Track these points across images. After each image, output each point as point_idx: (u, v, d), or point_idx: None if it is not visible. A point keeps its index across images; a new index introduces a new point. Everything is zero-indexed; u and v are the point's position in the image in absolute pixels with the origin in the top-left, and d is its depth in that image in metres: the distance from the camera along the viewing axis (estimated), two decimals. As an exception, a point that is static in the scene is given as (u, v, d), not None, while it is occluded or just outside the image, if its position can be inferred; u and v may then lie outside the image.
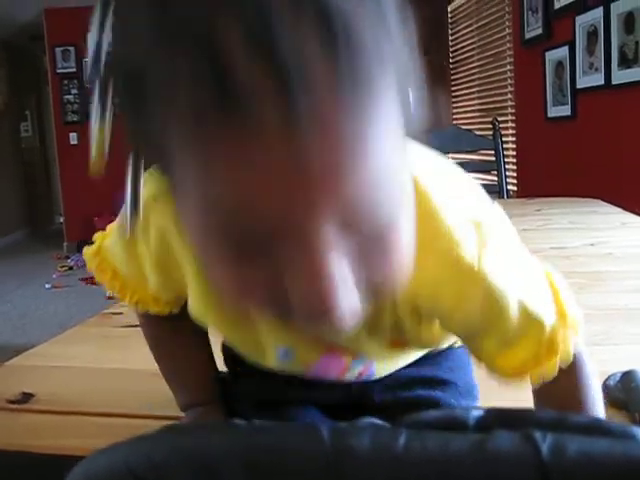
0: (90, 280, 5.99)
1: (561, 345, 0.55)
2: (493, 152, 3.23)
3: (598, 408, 0.59)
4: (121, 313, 1.19)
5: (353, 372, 0.65)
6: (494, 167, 3.20)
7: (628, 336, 0.94)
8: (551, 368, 0.55)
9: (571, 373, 0.58)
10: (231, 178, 0.35)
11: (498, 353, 0.56)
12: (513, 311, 0.53)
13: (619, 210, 2.18)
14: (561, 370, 0.55)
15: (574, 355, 0.56)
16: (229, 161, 0.35)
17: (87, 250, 0.71)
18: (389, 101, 0.37)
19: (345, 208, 0.36)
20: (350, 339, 0.57)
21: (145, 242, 0.61)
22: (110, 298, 5.16)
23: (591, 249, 1.55)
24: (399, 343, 0.60)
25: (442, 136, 3.26)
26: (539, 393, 0.60)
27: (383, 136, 0.37)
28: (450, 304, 0.53)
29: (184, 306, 0.63)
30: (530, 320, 0.55)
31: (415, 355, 0.69)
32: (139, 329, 1.05)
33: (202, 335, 0.73)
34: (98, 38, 0.42)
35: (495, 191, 3.17)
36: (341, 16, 0.34)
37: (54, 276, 6.25)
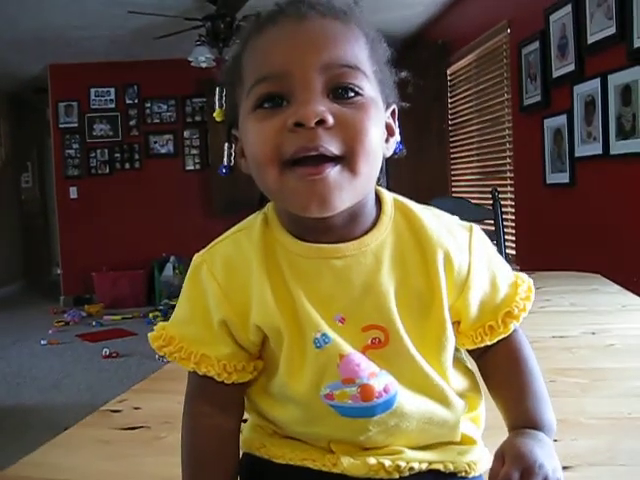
0: (86, 336, 5.95)
1: (516, 311, 0.76)
2: (492, 222, 3.23)
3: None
4: (120, 411, 1.16)
5: (380, 381, 0.70)
6: (492, 237, 3.20)
7: (636, 456, 0.91)
8: (507, 328, 0.76)
9: (517, 337, 0.79)
10: (268, 46, 0.68)
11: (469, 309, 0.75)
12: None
13: (618, 289, 2.17)
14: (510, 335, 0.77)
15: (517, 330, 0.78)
16: (268, 38, 0.69)
17: (154, 341, 0.77)
18: (358, 35, 0.71)
19: (324, 64, 0.66)
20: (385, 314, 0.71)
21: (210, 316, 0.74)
22: (106, 357, 5.13)
23: (592, 339, 1.53)
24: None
25: (441, 205, 3.27)
26: (489, 358, 0.78)
27: (351, 42, 0.69)
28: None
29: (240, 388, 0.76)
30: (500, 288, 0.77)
31: (437, 393, 0.74)
32: (139, 432, 1.03)
33: (235, 456, 0.78)
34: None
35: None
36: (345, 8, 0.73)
37: (50, 332, 6.19)
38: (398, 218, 0.75)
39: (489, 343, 0.76)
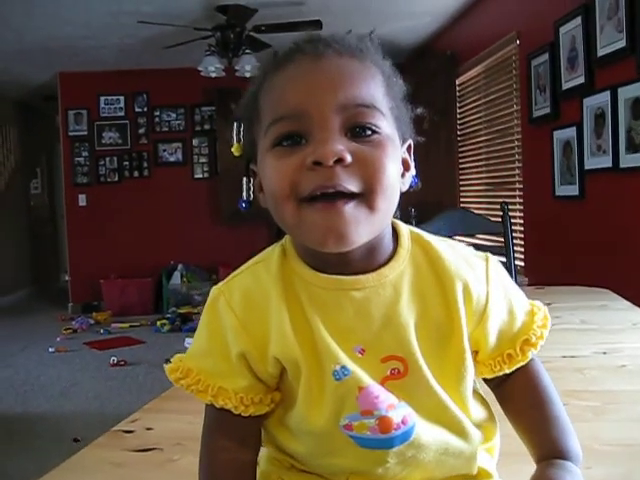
0: (94, 344, 5.96)
1: (534, 339, 0.77)
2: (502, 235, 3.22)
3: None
4: (132, 431, 1.16)
5: (398, 413, 0.71)
6: (502, 251, 3.19)
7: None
8: (525, 356, 0.77)
9: (535, 366, 0.80)
10: (287, 85, 0.69)
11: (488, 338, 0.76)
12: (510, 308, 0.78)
13: (628, 305, 2.16)
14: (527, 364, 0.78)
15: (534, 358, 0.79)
16: (286, 77, 0.70)
17: (171, 373, 0.78)
18: (374, 73, 0.72)
19: (340, 105, 0.67)
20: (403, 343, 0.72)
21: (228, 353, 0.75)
22: (113, 366, 5.13)
23: (603, 359, 1.53)
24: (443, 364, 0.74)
25: (450, 219, 3.26)
26: (508, 387, 0.80)
27: (367, 80, 0.70)
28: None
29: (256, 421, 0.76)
30: (517, 317, 0.78)
31: (454, 424, 0.74)
32: (151, 454, 1.04)
33: None
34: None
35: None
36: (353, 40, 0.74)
37: (58, 339, 6.20)
38: (415, 250, 0.76)
39: (508, 371, 0.77)
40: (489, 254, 0.79)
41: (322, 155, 0.65)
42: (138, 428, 1.17)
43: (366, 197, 0.67)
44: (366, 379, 0.71)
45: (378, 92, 0.71)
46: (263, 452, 0.80)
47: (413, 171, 0.77)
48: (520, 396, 0.80)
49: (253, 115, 0.74)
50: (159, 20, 5.31)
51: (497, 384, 0.81)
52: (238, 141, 0.77)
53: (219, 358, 0.75)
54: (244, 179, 0.77)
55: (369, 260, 0.73)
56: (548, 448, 0.76)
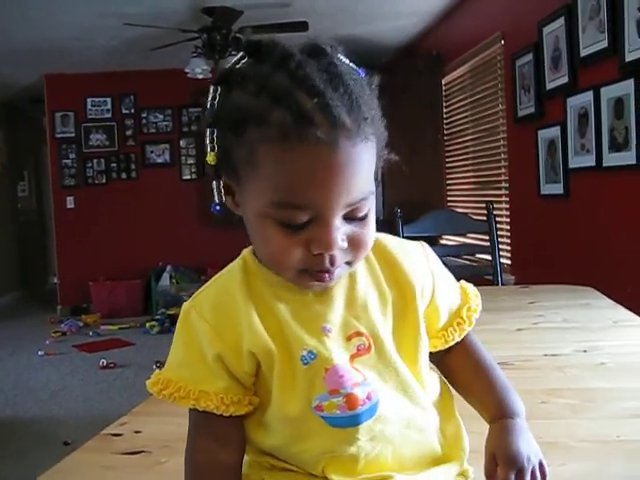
0: (83, 347, 5.97)
1: (474, 306, 0.88)
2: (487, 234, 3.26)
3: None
4: (121, 435, 1.18)
5: (363, 390, 0.76)
6: (488, 250, 3.23)
7: (624, 480, 0.94)
8: (471, 322, 0.87)
9: (470, 336, 0.89)
10: (301, 175, 0.68)
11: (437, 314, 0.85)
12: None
13: (611, 303, 2.20)
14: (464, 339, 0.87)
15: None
16: (302, 164, 0.67)
17: (152, 387, 0.81)
18: (374, 146, 0.72)
19: (349, 203, 0.70)
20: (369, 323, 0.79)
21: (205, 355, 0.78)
22: (103, 368, 5.14)
23: (584, 357, 1.55)
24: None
25: (437, 218, 3.30)
26: (452, 360, 0.89)
27: (369, 164, 0.72)
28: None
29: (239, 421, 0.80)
30: (455, 290, 0.89)
31: (414, 396, 0.80)
32: (140, 457, 1.06)
33: None
34: (211, 104, 0.74)
35: (489, 273, 3.20)
36: (355, 94, 0.69)
37: (47, 342, 6.21)
38: None
39: (458, 339, 0.86)
40: (422, 242, 0.89)
41: (327, 248, 0.71)
42: (127, 431, 1.19)
43: (351, 263, 0.76)
44: (332, 359, 0.76)
45: (372, 167, 0.74)
46: (245, 459, 0.82)
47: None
48: (465, 364, 0.89)
49: (240, 142, 0.72)
50: (145, 22, 5.31)
51: (441, 358, 0.89)
52: (212, 149, 0.75)
53: (197, 364, 0.79)
54: (214, 182, 0.78)
55: None
56: (498, 409, 0.84)
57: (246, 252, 0.82)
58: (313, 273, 0.74)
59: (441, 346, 0.86)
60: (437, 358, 0.88)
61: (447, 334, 0.86)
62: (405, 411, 0.79)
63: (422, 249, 0.86)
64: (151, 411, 1.31)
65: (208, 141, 0.75)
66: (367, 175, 0.72)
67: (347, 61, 0.76)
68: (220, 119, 0.74)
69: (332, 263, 0.72)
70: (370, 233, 0.75)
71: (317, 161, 0.67)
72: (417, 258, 0.84)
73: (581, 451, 1.02)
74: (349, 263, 0.75)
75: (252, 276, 0.79)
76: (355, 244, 0.73)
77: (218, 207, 0.79)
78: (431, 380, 0.85)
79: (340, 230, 0.71)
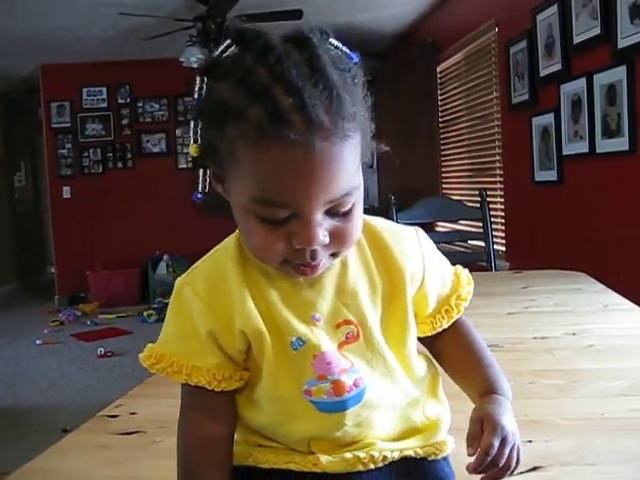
0: (81, 336, 5.99)
1: (464, 294, 0.89)
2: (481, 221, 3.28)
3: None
4: (117, 416, 1.21)
5: (351, 376, 0.78)
6: (481, 236, 3.25)
7: (604, 454, 0.96)
8: (459, 310, 0.88)
9: (463, 318, 0.91)
10: (278, 174, 0.68)
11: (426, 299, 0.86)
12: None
13: (602, 288, 2.22)
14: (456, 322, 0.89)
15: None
16: (278, 164, 0.67)
17: (145, 360, 0.84)
18: (356, 143, 0.71)
19: (329, 201, 0.70)
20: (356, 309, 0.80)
21: (197, 332, 0.80)
22: (101, 357, 5.17)
23: (572, 340, 1.58)
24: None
25: (431, 205, 3.32)
26: (444, 342, 0.90)
27: (351, 160, 0.71)
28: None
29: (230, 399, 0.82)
30: (447, 278, 0.89)
31: (399, 382, 0.83)
32: (135, 437, 1.09)
33: (227, 462, 0.83)
34: (198, 94, 0.74)
35: (483, 260, 3.22)
36: (337, 89, 0.68)
37: (45, 331, 6.24)
38: None
39: (446, 326, 0.88)
40: (416, 227, 0.89)
41: (307, 244, 0.71)
42: (122, 413, 1.22)
43: (336, 255, 0.77)
44: (321, 346, 0.78)
45: (355, 163, 0.73)
46: (234, 438, 0.85)
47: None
48: (456, 347, 0.90)
49: (221, 137, 0.72)
50: (140, 11, 5.32)
51: (431, 342, 0.91)
52: (195, 141, 0.75)
53: (190, 340, 0.81)
54: (200, 170, 0.79)
55: None
56: (486, 385, 0.86)
57: None
58: (295, 266, 0.74)
59: (429, 332, 0.88)
60: (427, 342, 0.90)
61: (435, 321, 0.87)
62: (391, 395, 0.81)
63: (415, 234, 0.87)
64: (146, 393, 1.34)
65: (192, 133, 0.76)
66: (348, 172, 0.71)
67: (339, 46, 0.75)
68: (204, 112, 0.74)
69: (313, 257, 0.73)
70: (354, 227, 0.75)
71: (293, 161, 0.67)
72: (409, 243, 0.85)
73: (566, 428, 1.05)
74: (334, 255, 0.76)
75: (246, 256, 0.81)
76: (338, 239, 0.74)
77: (200, 196, 0.80)
78: (418, 364, 0.87)
79: (322, 226, 0.71)
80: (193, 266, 0.85)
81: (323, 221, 0.71)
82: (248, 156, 0.69)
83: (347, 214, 0.73)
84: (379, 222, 0.86)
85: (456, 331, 0.90)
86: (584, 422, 1.08)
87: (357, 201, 0.74)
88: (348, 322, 0.80)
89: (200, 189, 0.79)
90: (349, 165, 0.70)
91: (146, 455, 1.06)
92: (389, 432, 0.83)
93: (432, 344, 0.91)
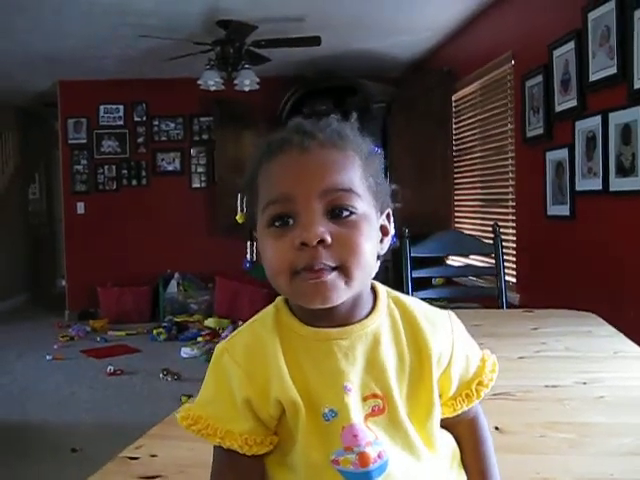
0: (90, 352, 6.02)
1: (486, 381, 0.91)
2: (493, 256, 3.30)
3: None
4: (138, 458, 1.24)
5: (375, 449, 0.82)
6: (493, 271, 3.27)
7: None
8: (479, 395, 0.91)
9: (479, 415, 0.96)
10: (278, 174, 0.81)
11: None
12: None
13: (613, 331, 2.24)
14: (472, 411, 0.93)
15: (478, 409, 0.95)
16: (278, 166, 0.81)
17: (183, 421, 0.87)
18: (352, 158, 0.83)
19: (323, 191, 0.79)
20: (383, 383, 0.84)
21: (233, 398, 0.84)
22: (110, 375, 5.20)
23: (584, 390, 1.60)
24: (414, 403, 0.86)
25: (444, 239, 3.35)
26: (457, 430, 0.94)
27: (348, 166, 0.81)
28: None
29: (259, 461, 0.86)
30: (472, 364, 0.92)
31: (420, 456, 0.86)
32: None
33: None
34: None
35: (493, 295, 3.24)
36: (337, 129, 0.84)
37: (55, 347, 6.26)
38: (392, 307, 0.89)
39: (466, 409, 0.92)
40: (450, 311, 0.93)
41: (307, 238, 0.77)
42: (143, 455, 1.25)
43: (344, 270, 0.79)
44: (349, 418, 0.82)
45: (355, 176, 0.82)
46: None
47: (392, 232, 0.89)
48: (465, 444, 0.95)
49: (252, 193, 0.86)
50: (160, 33, 5.39)
51: (448, 427, 0.94)
52: (242, 210, 0.86)
53: (226, 405, 0.85)
54: (248, 243, 0.87)
55: (352, 314, 0.85)
56: None
57: (279, 300, 0.89)
58: (303, 274, 0.78)
59: (449, 414, 0.91)
60: (445, 423, 0.93)
61: (455, 403, 0.91)
62: (411, 470, 0.84)
63: (448, 319, 0.91)
64: (165, 434, 1.36)
65: (239, 204, 0.86)
66: (344, 173, 0.81)
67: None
68: (245, 187, 0.88)
69: (315, 257, 0.77)
70: (357, 236, 0.79)
71: (290, 160, 0.81)
72: (440, 327, 0.88)
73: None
74: (340, 270, 0.79)
75: (282, 325, 0.85)
76: (340, 243, 0.78)
77: (249, 264, 0.87)
78: (441, 441, 0.90)
79: (322, 223, 0.78)
80: (233, 333, 0.89)
81: (324, 222, 0.78)
82: (262, 176, 0.84)
83: (348, 221, 0.80)
84: (413, 302, 0.90)
85: (471, 427, 0.95)
86: (594, 483, 1.10)
87: (360, 214, 0.81)
88: (375, 395, 0.83)
89: (249, 258, 0.87)
90: (344, 168, 0.81)
91: (167, 502, 1.08)
92: None
93: (449, 429, 0.94)
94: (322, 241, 0.77)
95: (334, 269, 0.79)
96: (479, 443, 0.95)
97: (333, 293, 0.79)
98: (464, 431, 0.95)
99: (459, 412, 0.91)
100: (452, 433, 0.95)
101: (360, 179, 0.83)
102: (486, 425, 0.96)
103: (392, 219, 0.90)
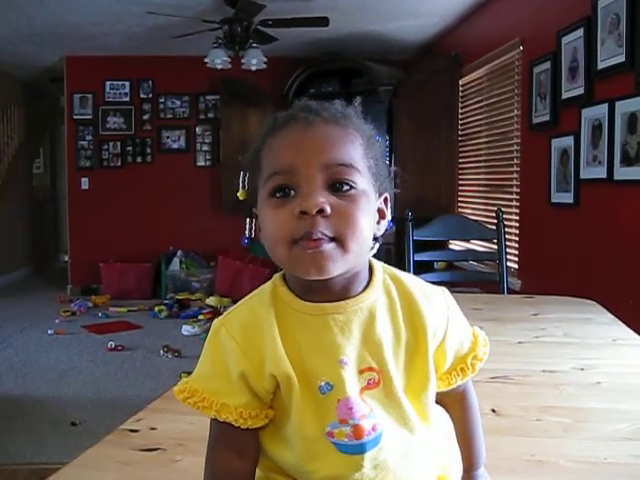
0: (92, 328, 6.05)
1: (480, 354, 0.93)
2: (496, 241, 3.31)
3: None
4: (138, 430, 1.25)
5: (370, 421, 0.84)
6: (495, 256, 3.28)
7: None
8: (474, 369, 0.93)
9: (469, 387, 0.98)
10: (281, 147, 0.83)
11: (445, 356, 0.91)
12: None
13: (612, 319, 2.25)
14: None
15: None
16: (282, 139, 0.83)
17: (179, 394, 0.89)
18: (353, 136, 0.85)
19: (324, 164, 0.80)
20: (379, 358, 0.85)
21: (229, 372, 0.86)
22: (111, 350, 5.23)
23: (580, 375, 1.61)
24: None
25: (447, 223, 3.35)
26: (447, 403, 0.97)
27: (348, 143, 0.83)
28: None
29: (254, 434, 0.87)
30: (466, 339, 0.94)
31: (414, 429, 0.87)
32: (156, 454, 1.13)
33: None
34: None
35: (494, 280, 3.25)
36: (341, 110, 0.87)
37: (57, 321, 6.30)
38: (388, 282, 0.90)
39: (461, 383, 0.94)
40: (444, 287, 0.94)
41: (307, 206, 0.79)
42: (143, 427, 1.26)
43: (341, 241, 0.80)
44: (345, 391, 0.83)
45: (357, 153, 0.84)
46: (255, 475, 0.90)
47: (389, 217, 0.91)
48: (455, 414, 0.98)
49: (255, 168, 0.87)
50: (168, 11, 5.37)
51: (442, 398, 0.96)
52: (243, 187, 0.89)
53: (222, 379, 0.86)
54: (247, 219, 0.89)
55: (348, 289, 0.86)
56: (473, 462, 0.97)
57: (277, 277, 0.90)
58: (302, 244, 0.79)
59: (444, 388, 0.93)
60: (438, 397, 0.94)
61: (450, 377, 0.92)
62: (405, 442, 0.86)
63: (442, 295, 0.92)
64: (166, 408, 1.38)
65: (240, 181, 0.89)
66: (346, 149, 0.83)
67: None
68: (248, 163, 0.89)
69: (313, 225, 0.78)
70: (355, 210, 0.81)
71: (294, 134, 0.83)
72: (435, 302, 0.90)
73: (569, 471, 1.08)
74: (338, 242, 0.80)
75: (280, 301, 0.87)
76: (338, 215, 0.79)
77: (247, 240, 0.88)
78: (435, 415, 0.91)
79: (323, 194, 0.80)
80: (230, 309, 0.91)
81: (324, 193, 0.80)
82: (266, 151, 0.85)
83: (348, 195, 0.81)
84: (409, 278, 0.91)
85: (461, 400, 0.98)
86: (588, 466, 1.11)
87: (360, 189, 0.82)
88: (371, 369, 0.85)
89: (247, 234, 0.88)
90: (345, 144, 0.84)
91: (166, 473, 1.10)
92: (404, 478, 0.87)
93: (441, 402, 0.96)
94: (321, 211, 0.79)
95: (332, 240, 0.80)
96: (467, 411, 0.98)
97: (329, 263, 0.80)
98: (453, 402, 0.97)
99: (454, 386, 0.93)
100: (442, 405, 0.97)
101: (361, 157, 0.84)
102: (475, 397, 0.99)
103: (389, 204, 0.91)
